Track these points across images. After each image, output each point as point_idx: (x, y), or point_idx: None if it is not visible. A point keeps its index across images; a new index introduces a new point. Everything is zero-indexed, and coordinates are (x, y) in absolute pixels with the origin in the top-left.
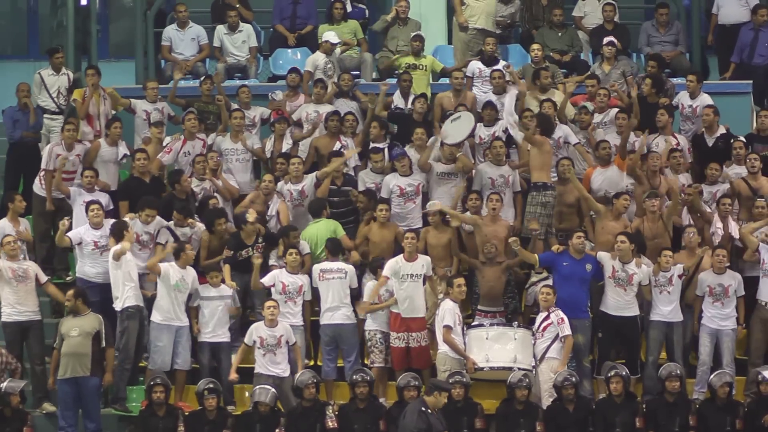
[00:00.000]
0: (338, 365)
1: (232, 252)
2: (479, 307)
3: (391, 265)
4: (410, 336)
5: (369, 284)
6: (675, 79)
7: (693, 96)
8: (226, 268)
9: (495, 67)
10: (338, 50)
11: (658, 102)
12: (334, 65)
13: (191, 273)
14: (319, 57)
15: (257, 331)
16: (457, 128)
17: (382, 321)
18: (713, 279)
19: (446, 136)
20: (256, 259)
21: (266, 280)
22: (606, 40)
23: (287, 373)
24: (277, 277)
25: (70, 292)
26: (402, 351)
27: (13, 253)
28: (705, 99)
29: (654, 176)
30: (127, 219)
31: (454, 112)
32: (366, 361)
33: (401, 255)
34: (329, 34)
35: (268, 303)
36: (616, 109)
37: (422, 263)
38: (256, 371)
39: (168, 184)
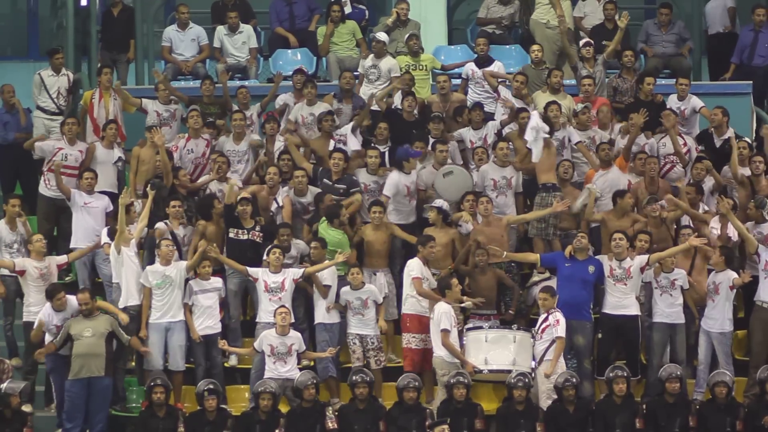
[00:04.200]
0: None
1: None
2: (472, 310)
3: (418, 267)
4: (428, 337)
5: (344, 289)
6: (671, 80)
7: (681, 98)
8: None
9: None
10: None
11: (653, 100)
12: (378, 70)
13: (177, 267)
14: (368, 59)
15: (267, 338)
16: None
17: (358, 324)
18: (710, 277)
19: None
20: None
21: (251, 271)
22: (582, 41)
23: (295, 374)
24: (261, 276)
25: (86, 294)
26: (419, 353)
27: (41, 251)
28: (695, 101)
29: (653, 181)
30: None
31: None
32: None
33: (418, 258)
34: (380, 35)
35: (280, 309)
36: (620, 124)
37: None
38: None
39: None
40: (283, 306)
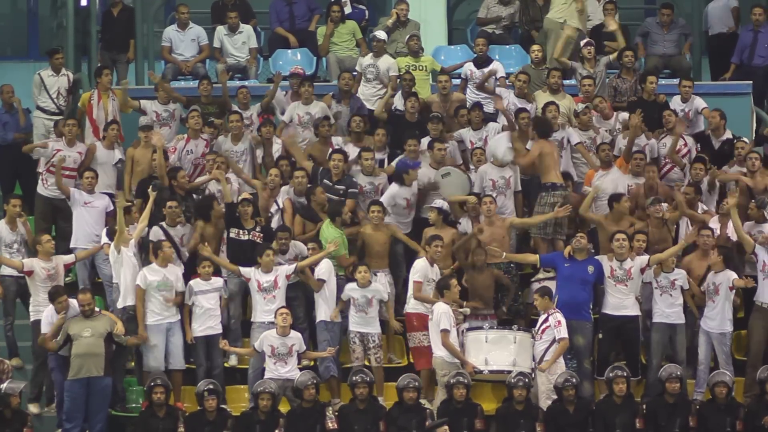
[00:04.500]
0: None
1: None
2: (469, 310)
3: (423, 269)
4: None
5: (350, 285)
6: (672, 80)
7: (685, 100)
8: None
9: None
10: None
11: (656, 100)
12: (376, 69)
13: (173, 271)
14: (367, 57)
15: (268, 339)
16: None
17: (360, 322)
18: (710, 278)
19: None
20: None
21: (244, 271)
22: (583, 42)
23: (295, 375)
24: (253, 275)
25: (87, 295)
26: (428, 349)
27: (50, 251)
28: (698, 102)
29: (652, 188)
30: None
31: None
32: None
33: (424, 258)
34: (379, 33)
35: (281, 310)
36: (625, 114)
37: (437, 271)
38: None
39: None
40: (283, 307)
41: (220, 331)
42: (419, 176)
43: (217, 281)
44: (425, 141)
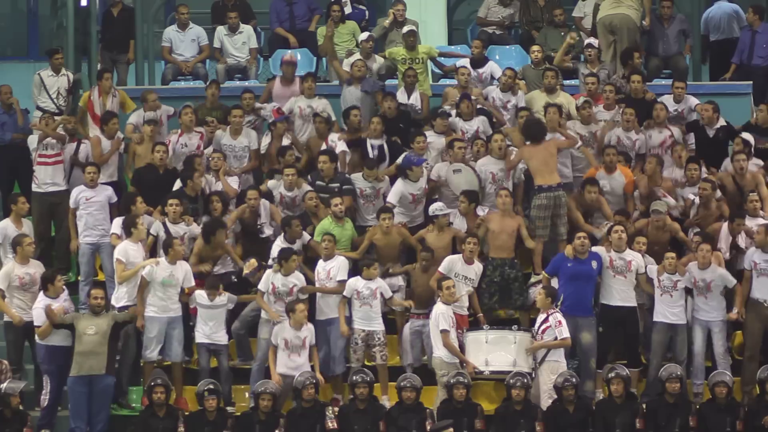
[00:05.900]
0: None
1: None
2: (412, 309)
3: (448, 263)
4: (457, 332)
5: (353, 279)
6: (670, 80)
7: (677, 100)
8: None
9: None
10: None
11: (644, 98)
12: (368, 69)
13: (182, 267)
14: (354, 57)
15: (281, 332)
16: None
17: (364, 317)
18: (698, 274)
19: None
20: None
21: (261, 286)
22: (586, 42)
23: (307, 368)
24: (269, 279)
25: (101, 290)
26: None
27: (28, 254)
28: (691, 100)
29: (653, 178)
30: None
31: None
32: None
33: (460, 255)
34: (365, 35)
35: (300, 305)
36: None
37: (476, 270)
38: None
39: (181, 180)
40: (301, 302)
41: (226, 342)
42: (437, 170)
43: (222, 299)
44: (439, 139)
